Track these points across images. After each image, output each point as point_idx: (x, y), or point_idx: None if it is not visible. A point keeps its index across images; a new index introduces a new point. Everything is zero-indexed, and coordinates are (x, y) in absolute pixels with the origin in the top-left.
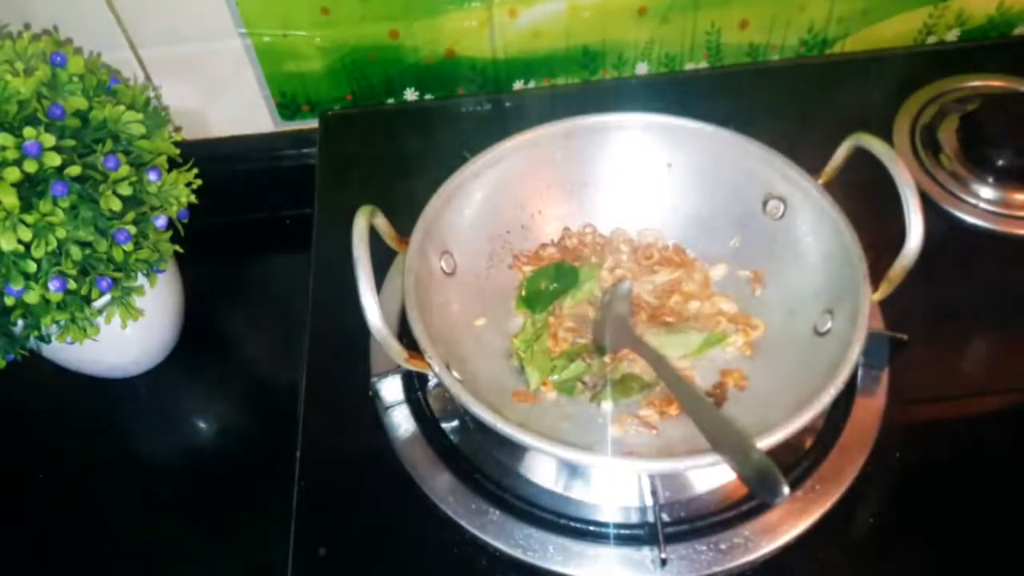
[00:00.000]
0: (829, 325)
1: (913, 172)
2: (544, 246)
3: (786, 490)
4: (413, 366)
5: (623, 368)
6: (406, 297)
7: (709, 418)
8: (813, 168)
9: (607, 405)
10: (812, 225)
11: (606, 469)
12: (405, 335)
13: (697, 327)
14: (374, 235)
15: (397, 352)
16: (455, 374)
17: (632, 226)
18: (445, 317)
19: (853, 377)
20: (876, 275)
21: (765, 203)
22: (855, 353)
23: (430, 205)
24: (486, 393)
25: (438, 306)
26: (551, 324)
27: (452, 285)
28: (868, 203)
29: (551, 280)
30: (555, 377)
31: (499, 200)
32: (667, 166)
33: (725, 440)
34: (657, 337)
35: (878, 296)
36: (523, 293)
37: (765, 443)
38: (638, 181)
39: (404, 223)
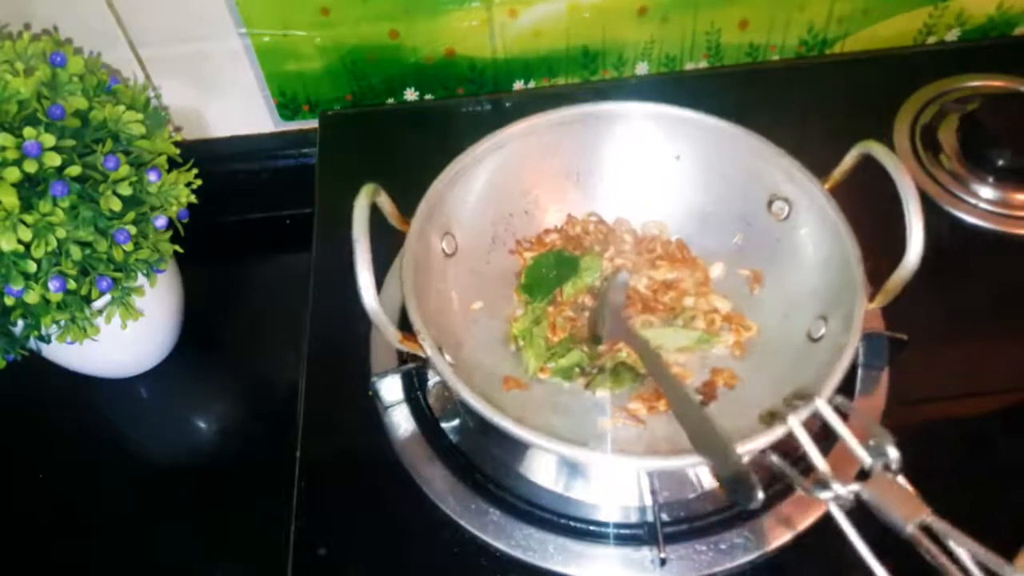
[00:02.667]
0: (823, 331)
1: (913, 172)
2: (547, 232)
3: (760, 495)
4: (406, 347)
5: (618, 358)
6: (403, 275)
7: (693, 417)
8: (815, 168)
9: (602, 393)
10: (815, 229)
11: (605, 466)
12: (406, 325)
13: (690, 323)
14: (379, 227)
15: (391, 333)
16: (447, 358)
17: (637, 217)
18: (442, 298)
19: (853, 377)
20: (877, 281)
21: (771, 203)
22: (845, 362)
23: (435, 185)
24: (478, 378)
25: (436, 287)
26: (550, 312)
27: (452, 267)
28: (876, 210)
29: (551, 268)
30: (552, 364)
31: (504, 183)
32: (675, 158)
33: (706, 440)
34: (651, 330)
35: (874, 306)
36: (524, 280)
37: (745, 448)
38: (645, 172)
39: None
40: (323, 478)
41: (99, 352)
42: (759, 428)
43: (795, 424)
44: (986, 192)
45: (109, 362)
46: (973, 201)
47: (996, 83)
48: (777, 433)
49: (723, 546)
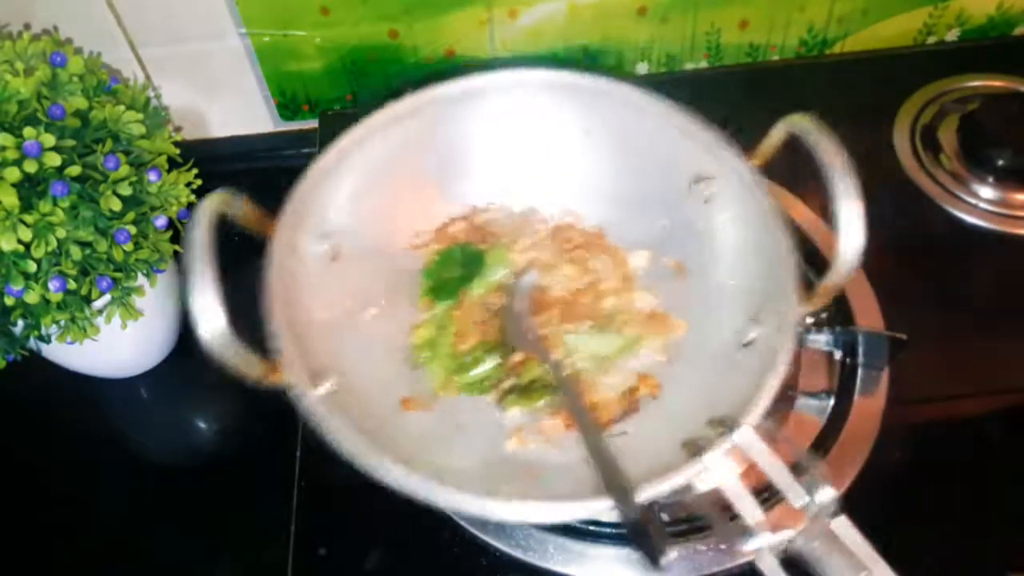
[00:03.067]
0: (753, 335)
1: (913, 172)
2: (453, 221)
3: (668, 557)
4: (277, 381)
5: (533, 372)
6: (266, 293)
7: (598, 452)
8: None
9: (513, 411)
10: (741, 213)
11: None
12: None
13: (612, 327)
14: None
15: (251, 366)
16: (330, 384)
17: (548, 202)
18: (326, 311)
19: (853, 377)
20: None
21: (693, 184)
22: (774, 380)
23: (303, 182)
24: (372, 404)
25: (317, 298)
26: (456, 317)
27: (337, 272)
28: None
29: (456, 265)
30: (459, 378)
31: (393, 171)
32: (584, 133)
33: (611, 481)
34: (571, 336)
35: (807, 309)
36: (426, 281)
37: (648, 494)
38: (552, 151)
39: None
40: (323, 478)
41: (99, 352)
42: (680, 459)
43: (712, 461)
44: (986, 192)
45: (109, 362)
46: (973, 201)
47: (996, 83)
48: (689, 472)
49: (723, 546)
